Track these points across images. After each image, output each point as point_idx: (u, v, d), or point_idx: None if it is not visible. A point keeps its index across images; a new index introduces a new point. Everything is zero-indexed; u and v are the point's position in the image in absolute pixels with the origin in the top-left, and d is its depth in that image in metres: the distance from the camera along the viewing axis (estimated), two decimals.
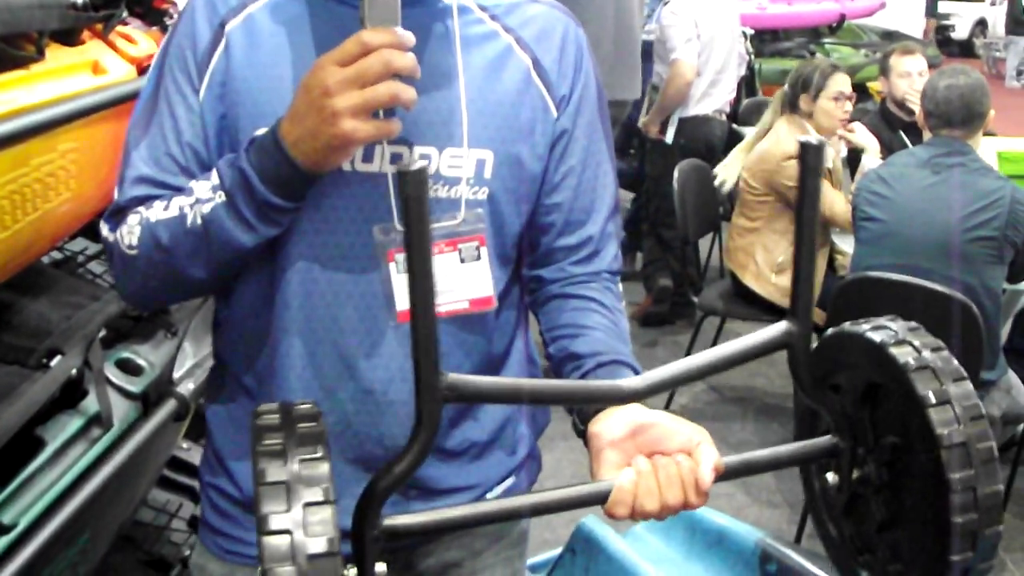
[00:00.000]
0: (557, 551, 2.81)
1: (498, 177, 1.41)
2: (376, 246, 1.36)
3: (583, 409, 1.33)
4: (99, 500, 1.93)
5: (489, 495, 1.55)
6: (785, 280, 4.41)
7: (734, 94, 6.20)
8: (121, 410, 2.09)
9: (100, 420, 2.01)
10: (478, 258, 1.41)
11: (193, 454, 2.96)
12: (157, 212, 1.34)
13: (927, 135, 3.66)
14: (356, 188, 1.36)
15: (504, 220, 1.45)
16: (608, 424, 1.27)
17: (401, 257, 1.34)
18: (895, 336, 1.17)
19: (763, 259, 4.54)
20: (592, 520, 2.67)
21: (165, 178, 1.36)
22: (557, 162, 1.48)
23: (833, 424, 1.26)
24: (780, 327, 1.19)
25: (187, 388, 2.32)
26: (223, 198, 1.30)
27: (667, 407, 4.78)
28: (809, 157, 1.11)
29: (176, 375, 2.34)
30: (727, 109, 6.01)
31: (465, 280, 1.40)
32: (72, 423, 1.97)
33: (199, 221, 1.31)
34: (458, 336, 1.45)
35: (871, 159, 4.36)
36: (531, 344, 1.64)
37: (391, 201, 1.36)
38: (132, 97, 1.75)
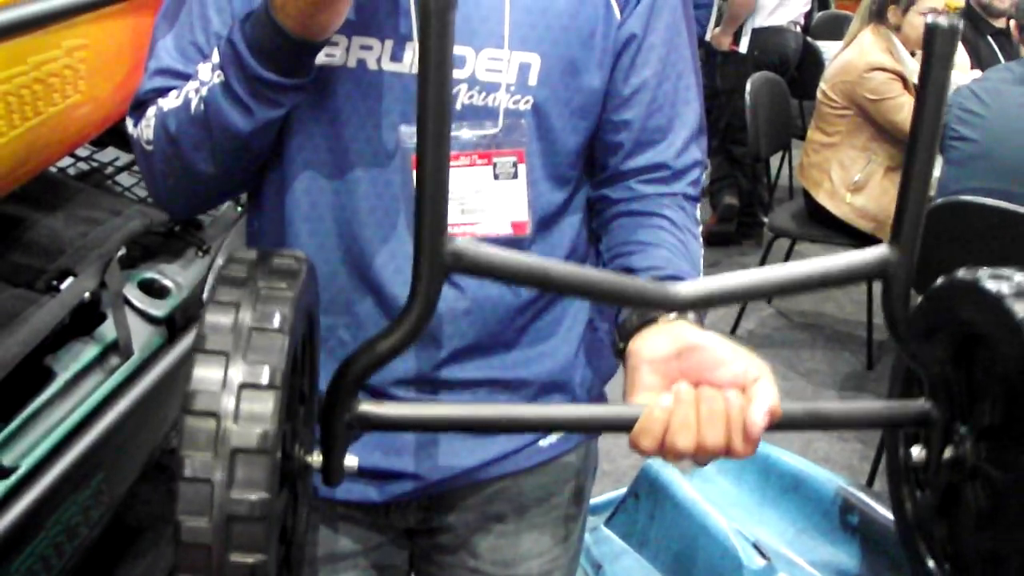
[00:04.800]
0: (619, 492, 2.63)
1: (546, 85, 1.25)
2: (402, 149, 1.22)
3: (626, 323, 1.15)
4: (115, 436, 1.77)
5: (543, 442, 1.41)
6: (862, 200, 4.23)
7: (808, 6, 6.10)
8: (143, 337, 1.93)
9: (118, 348, 1.83)
10: (514, 176, 1.25)
11: None
12: (169, 102, 1.23)
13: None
14: (382, 90, 1.22)
15: (555, 136, 1.28)
16: (650, 341, 1.09)
17: None
18: (1017, 287, 0.95)
19: (839, 177, 4.31)
20: (659, 463, 2.49)
21: (188, 69, 1.24)
22: (626, 73, 1.29)
23: (928, 386, 1.04)
24: (876, 252, 0.94)
25: None
26: (220, 77, 1.17)
27: (733, 331, 4.68)
28: (938, 44, 0.85)
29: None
30: (801, 21, 5.82)
31: (497, 199, 1.25)
32: (86, 352, 1.80)
33: (202, 106, 1.19)
34: None
35: (960, 75, 4.09)
36: None
37: None
38: None
